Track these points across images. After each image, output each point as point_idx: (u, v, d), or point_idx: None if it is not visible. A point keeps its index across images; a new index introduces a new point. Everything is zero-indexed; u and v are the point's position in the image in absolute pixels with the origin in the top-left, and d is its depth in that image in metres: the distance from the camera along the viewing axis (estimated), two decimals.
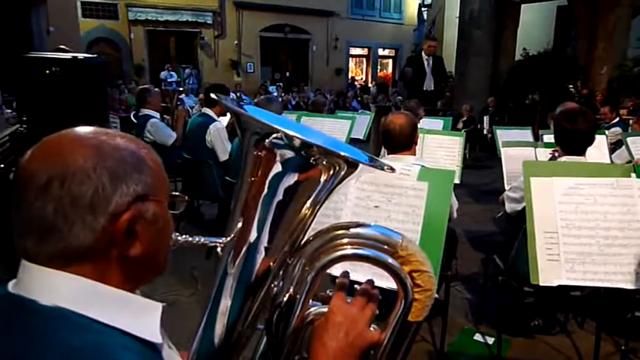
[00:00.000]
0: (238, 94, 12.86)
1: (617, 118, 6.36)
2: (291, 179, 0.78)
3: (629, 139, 3.53)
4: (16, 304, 0.63)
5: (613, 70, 8.76)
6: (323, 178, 0.76)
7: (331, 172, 0.76)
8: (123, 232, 0.64)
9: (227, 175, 3.60)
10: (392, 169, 0.79)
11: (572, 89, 9.17)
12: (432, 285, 0.87)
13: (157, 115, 4.67)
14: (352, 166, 0.76)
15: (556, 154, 2.43)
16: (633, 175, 1.52)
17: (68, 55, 2.94)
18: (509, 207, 2.53)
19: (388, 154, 2.41)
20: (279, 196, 0.81)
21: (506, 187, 3.47)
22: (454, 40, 10.85)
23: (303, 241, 0.87)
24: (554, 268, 1.44)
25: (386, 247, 0.84)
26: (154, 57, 15.83)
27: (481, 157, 8.64)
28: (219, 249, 0.94)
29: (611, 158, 3.79)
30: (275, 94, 14.72)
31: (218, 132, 3.78)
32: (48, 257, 0.62)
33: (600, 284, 1.45)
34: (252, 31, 17.00)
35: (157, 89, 11.79)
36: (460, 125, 8.94)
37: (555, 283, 1.47)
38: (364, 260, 0.83)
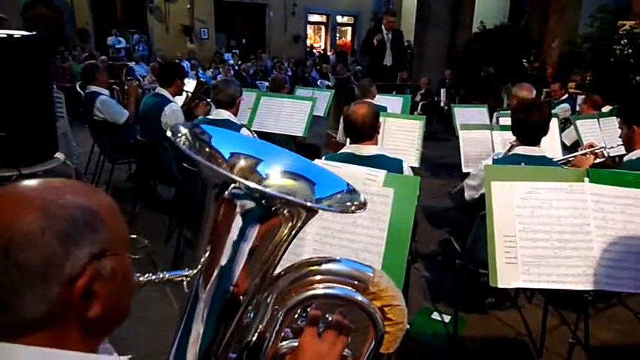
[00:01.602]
0: (193, 62, 12.37)
1: (566, 95, 6.62)
2: (255, 228, 0.76)
3: (578, 122, 3.67)
4: None
5: (564, 46, 9.02)
6: (290, 224, 0.75)
7: (295, 222, 0.75)
8: (80, 296, 0.60)
9: (183, 156, 3.48)
10: (360, 207, 0.78)
11: (525, 63, 9.40)
12: (403, 318, 0.89)
13: (106, 92, 4.44)
14: (314, 211, 0.75)
15: (513, 144, 2.51)
16: (586, 179, 1.59)
17: (2, 34, 2.70)
18: (467, 194, 2.60)
19: (351, 143, 2.41)
20: (245, 235, 0.79)
21: (463, 169, 3.57)
22: (413, 9, 10.80)
23: (274, 274, 0.86)
24: (511, 270, 1.50)
25: (358, 283, 0.84)
26: (99, 21, 14.87)
27: (438, 129, 8.79)
28: (185, 282, 0.91)
29: (561, 137, 3.95)
30: (231, 61, 14.28)
31: (174, 114, 3.63)
32: None
33: (554, 286, 1.53)
34: None
35: (103, 57, 11.13)
36: (418, 98, 9.03)
37: (513, 286, 1.54)
38: (334, 299, 0.83)
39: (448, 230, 4.39)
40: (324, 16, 20.02)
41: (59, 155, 3.30)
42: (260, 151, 0.92)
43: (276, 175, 0.88)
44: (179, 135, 0.84)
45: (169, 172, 3.58)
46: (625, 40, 7.39)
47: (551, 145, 3.26)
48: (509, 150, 2.56)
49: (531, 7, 10.37)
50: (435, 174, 6.11)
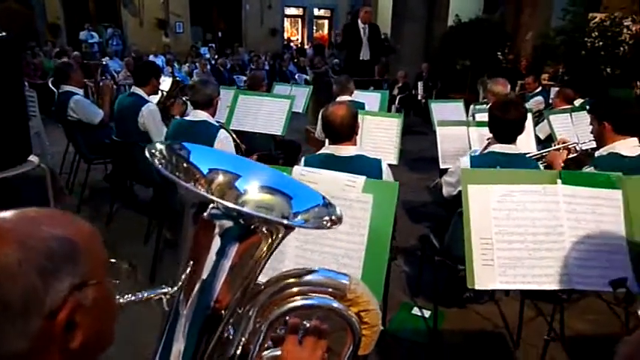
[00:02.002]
0: (168, 57, 12.16)
1: (540, 87, 6.77)
2: (234, 247, 0.77)
3: (551, 117, 3.75)
4: None
5: (537, 39, 9.18)
6: (269, 240, 0.76)
7: (274, 238, 0.76)
8: (62, 329, 0.59)
9: None
10: (335, 222, 0.80)
11: (500, 56, 9.54)
12: (377, 321, 0.93)
13: (80, 91, 4.35)
14: (292, 227, 0.77)
15: (490, 142, 2.55)
16: (559, 181, 1.63)
17: None
18: (445, 191, 2.64)
19: (330, 143, 2.41)
20: (225, 254, 0.80)
21: (441, 165, 3.62)
22: (390, 2, 10.83)
23: (255, 288, 0.87)
24: (488, 272, 1.54)
25: (335, 291, 0.87)
26: (71, 15, 14.49)
27: (416, 122, 8.86)
28: (164, 300, 0.91)
29: (535, 131, 4.03)
30: (207, 55, 14.11)
31: (151, 114, 3.58)
32: None
33: (529, 286, 1.57)
34: None
35: (75, 52, 10.86)
36: (395, 92, 9.08)
37: (490, 287, 1.58)
38: (313, 309, 0.85)
39: (427, 225, 4.45)
40: (301, 9, 19.93)
41: (33, 158, 3.21)
42: (238, 166, 0.93)
43: (254, 190, 0.89)
44: (155, 153, 0.83)
45: (147, 173, 3.53)
46: (596, 33, 7.57)
47: (525, 139, 3.33)
48: (485, 147, 2.60)
49: (505, 0, 10.51)
50: (414, 168, 6.15)
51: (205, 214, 0.75)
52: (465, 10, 10.48)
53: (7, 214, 0.61)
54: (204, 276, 0.82)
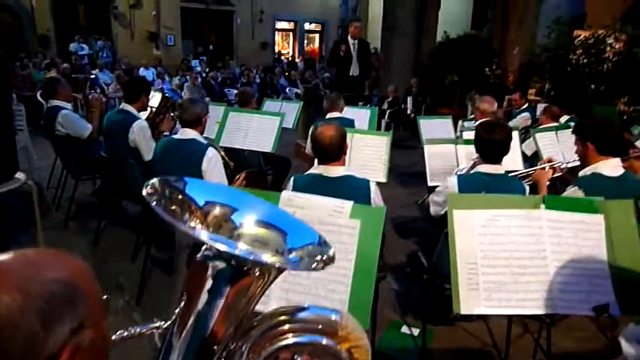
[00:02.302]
0: (159, 71, 12.17)
1: (527, 104, 6.88)
2: (227, 288, 0.78)
3: (537, 135, 3.81)
4: None
5: (524, 56, 9.35)
6: (261, 281, 0.77)
7: (266, 279, 0.77)
8: None
9: (150, 174, 3.42)
10: (327, 263, 0.81)
11: (488, 72, 9.70)
12: (367, 356, 0.93)
13: (69, 105, 4.33)
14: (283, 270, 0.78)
15: (476, 162, 2.59)
16: (542, 205, 1.66)
17: None
18: (433, 210, 2.67)
19: (319, 163, 2.43)
20: (218, 293, 0.80)
21: (429, 183, 3.66)
22: (380, 17, 10.97)
23: (247, 324, 0.88)
24: (474, 297, 1.56)
25: (326, 327, 0.88)
26: (61, 27, 14.45)
27: (405, 136, 8.93)
28: (156, 335, 0.91)
29: (522, 148, 4.10)
30: (198, 68, 14.12)
31: (142, 130, 3.57)
32: None
33: (514, 311, 1.59)
34: (172, 1, 16.04)
35: (65, 65, 10.78)
36: (385, 106, 9.16)
37: (475, 312, 1.60)
38: (305, 347, 0.86)
39: (416, 240, 4.47)
40: (292, 23, 20.09)
41: (19, 175, 3.19)
42: (235, 199, 0.93)
43: (249, 224, 0.89)
44: (149, 189, 0.84)
45: (136, 189, 3.51)
46: (580, 50, 7.74)
47: (511, 156, 3.39)
48: (471, 167, 2.64)
49: (493, 17, 10.71)
50: (403, 183, 6.18)
51: (199, 255, 0.76)
52: (454, 26, 10.68)
53: (7, 256, 0.61)
54: (198, 311, 0.83)
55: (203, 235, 0.86)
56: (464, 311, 1.58)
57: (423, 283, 2.77)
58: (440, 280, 2.57)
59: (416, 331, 2.97)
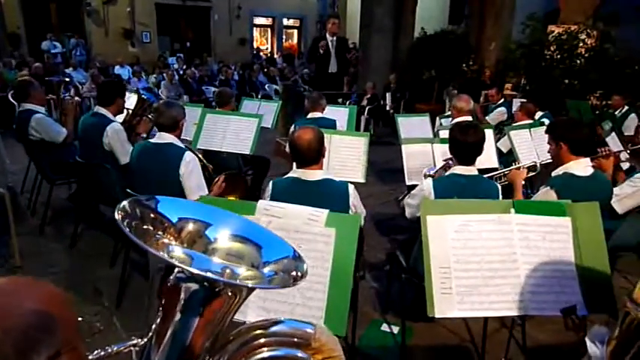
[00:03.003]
0: (135, 69, 11.96)
1: (503, 99, 7.01)
2: (200, 308, 0.79)
3: (511, 133, 3.89)
4: None
5: (500, 52, 9.49)
6: (234, 299, 0.78)
7: (238, 297, 0.78)
8: None
9: (127, 179, 3.37)
10: (299, 279, 0.83)
11: (465, 67, 9.82)
12: None
13: (42, 109, 4.24)
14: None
15: (450, 162, 2.64)
16: (512, 210, 1.71)
17: None
18: (408, 212, 2.71)
19: (297, 167, 2.44)
20: (193, 311, 0.81)
21: (407, 182, 3.70)
22: (358, 13, 10.99)
23: (223, 339, 0.89)
24: (447, 301, 1.60)
25: (300, 340, 0.90)
26: (32, 25, 14.07)
27: (384, 132, 8.99)
28: (134, 353, 0.92)
29: (497, 146, 4.18)
30: (175, 65, 13.93)
31: (117, 134, 3.52)
32: None
33: (486, 313, 1.64)
34: None
35: (37, 64, 10.50)
36: (364, 102, 9.20)
37: (448, 315, 1.64)
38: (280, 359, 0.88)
39: (396, 237, 4.52)
40: (270, 19, 19.97)
41: None
42: (209, 215, 0.94)
43: (224, 239, 0.91)
44: (120, 213, 0.85)
45: (112, 194, 3.47)
46: (554, 46, 7.89)
47: (487, 154, 3.45)
48: (443, 167, 2.69)
49: (469, 13, 10.83)
50: (383, 179, 6.23)
51: (171, 278, 0.77)
52: (431, 23, 10.77)
53: None
54: (174, 327, 0.84)
55: (176, 252, 0.87)
56: (438, 315, 1.62)
57: (402, 282, 2.81)
58: (418, 279, 2.61)
59: (396, 329, 3.02)
